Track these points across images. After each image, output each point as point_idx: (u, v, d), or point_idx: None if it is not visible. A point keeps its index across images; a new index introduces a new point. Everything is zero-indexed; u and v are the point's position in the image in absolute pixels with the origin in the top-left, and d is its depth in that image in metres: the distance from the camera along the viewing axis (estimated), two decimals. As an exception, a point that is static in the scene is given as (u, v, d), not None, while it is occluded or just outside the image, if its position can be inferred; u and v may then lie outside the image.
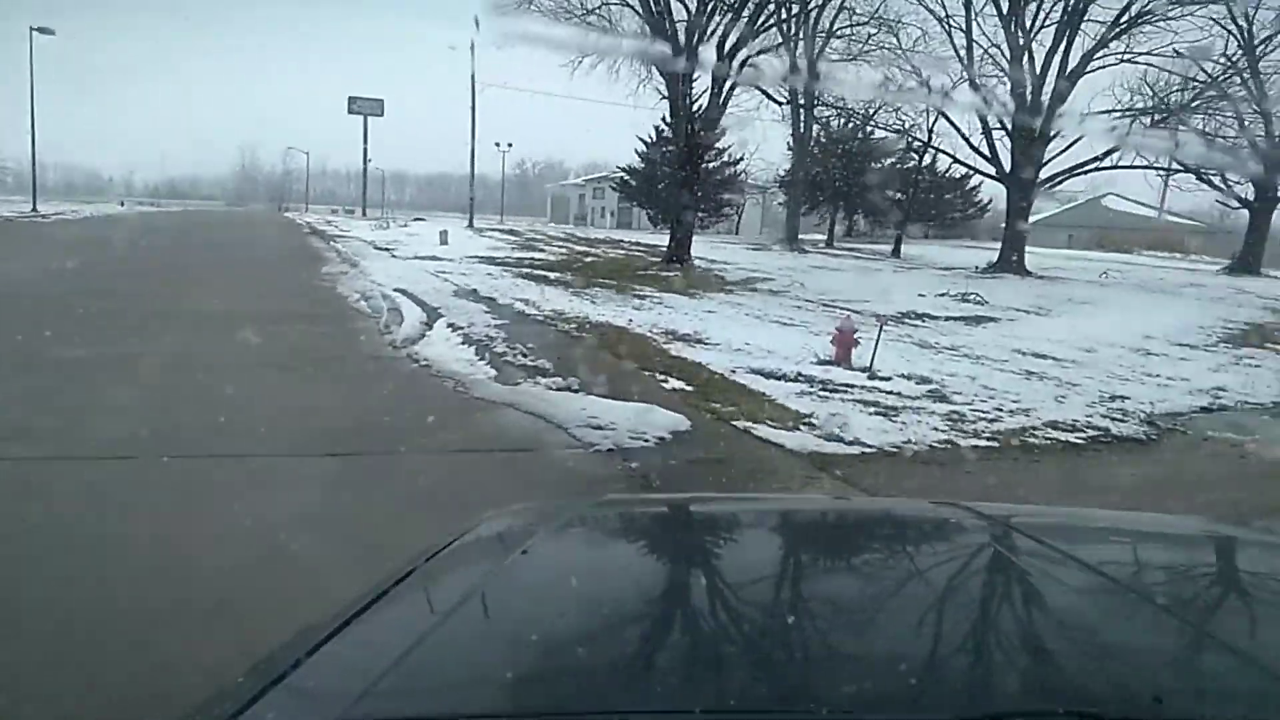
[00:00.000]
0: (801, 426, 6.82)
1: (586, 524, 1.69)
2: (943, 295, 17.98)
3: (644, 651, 1.10)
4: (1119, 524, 1.90)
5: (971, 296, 17.74)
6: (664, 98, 21.08)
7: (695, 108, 21.35)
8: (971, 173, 30.02)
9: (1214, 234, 48.57)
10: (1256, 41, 23.01)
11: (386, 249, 24.99)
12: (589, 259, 23.67)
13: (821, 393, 8.26)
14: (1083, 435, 7.54)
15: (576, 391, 7.07)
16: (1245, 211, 28.82)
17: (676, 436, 5.90)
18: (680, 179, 20.66)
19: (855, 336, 9.73)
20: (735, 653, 1.09)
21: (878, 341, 9.55)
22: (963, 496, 2.91)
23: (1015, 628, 1.19)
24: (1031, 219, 53.46)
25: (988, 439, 7.09)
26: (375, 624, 1.17)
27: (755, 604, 1.25)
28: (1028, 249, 27.21)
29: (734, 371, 8.92)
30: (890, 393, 8.51)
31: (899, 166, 35.99)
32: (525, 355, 8.57)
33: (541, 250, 26.42)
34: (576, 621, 1.16)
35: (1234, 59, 22.30)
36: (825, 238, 36.56)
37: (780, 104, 25.52)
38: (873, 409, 7.75)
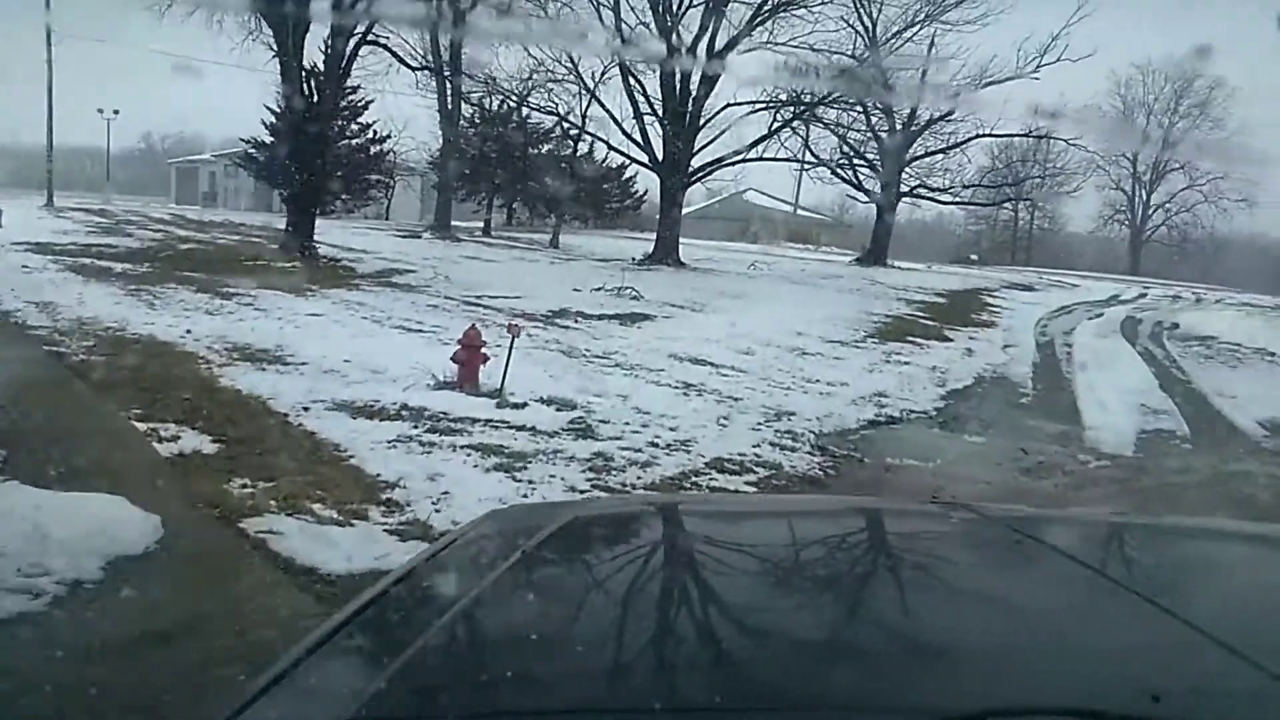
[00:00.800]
0: (373, 509, 4.49)
1: (586, 524, 1.62)
2: (598, 290, 16.53)
3: (643, 651, 1.08)
4: (1119, 524, 1.87)
5: (627, 291, 16.44)
6: (275, 55, 17.58)
7: (316, 69, 18.12)
8: (629, 162, 29.35)
9: (837, 227, 53.17)
10: (881, 41, 24.32)
11: (-101, 232, 18.95)
12: (186, 246, 19.47)
13: (427, 437, 6.01)
14: (753, 477, 5.96)
15: (-21, 477, 4.17)
16: (862, 205, 31.02)
17: (114, 574, 3.30)
18: (298, 151, 17.33)
19: (484, 351, 7.57)
20: (735, 652, 1.08)
21: (509, 355, 7.46)
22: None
23: (1015, 626, 1.17)
24: (691, 208, 55.92)
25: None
26: (376, 624, 1.15)
27: (755, 604, 1.22)
28: (680, 240, 26.96)
29: (308, 409, 6.38)
30: (523, 428, 6.45)
31: (558, 153, 34.72)
32: (-60, 404, 5.39)
33: (129, 235, 21.55)
34: (576, 622, 1.17)
35: (860, 56, 23.31)
36: (483, 225, 34.37)
37: (414, 69, 22.77)
38: (493, 460, 5.62)
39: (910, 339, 13.79)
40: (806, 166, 28.54)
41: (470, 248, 25.83)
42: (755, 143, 22.98)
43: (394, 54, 20.19)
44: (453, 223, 31.64)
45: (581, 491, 5.18)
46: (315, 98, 17.98)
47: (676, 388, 8.54)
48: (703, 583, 1.35)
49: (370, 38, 18.50)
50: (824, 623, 1.17)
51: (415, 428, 6.19)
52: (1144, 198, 51.87)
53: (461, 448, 5.82)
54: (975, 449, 7.41)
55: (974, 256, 48.14)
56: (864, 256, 29.07)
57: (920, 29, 24.86)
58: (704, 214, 52.32)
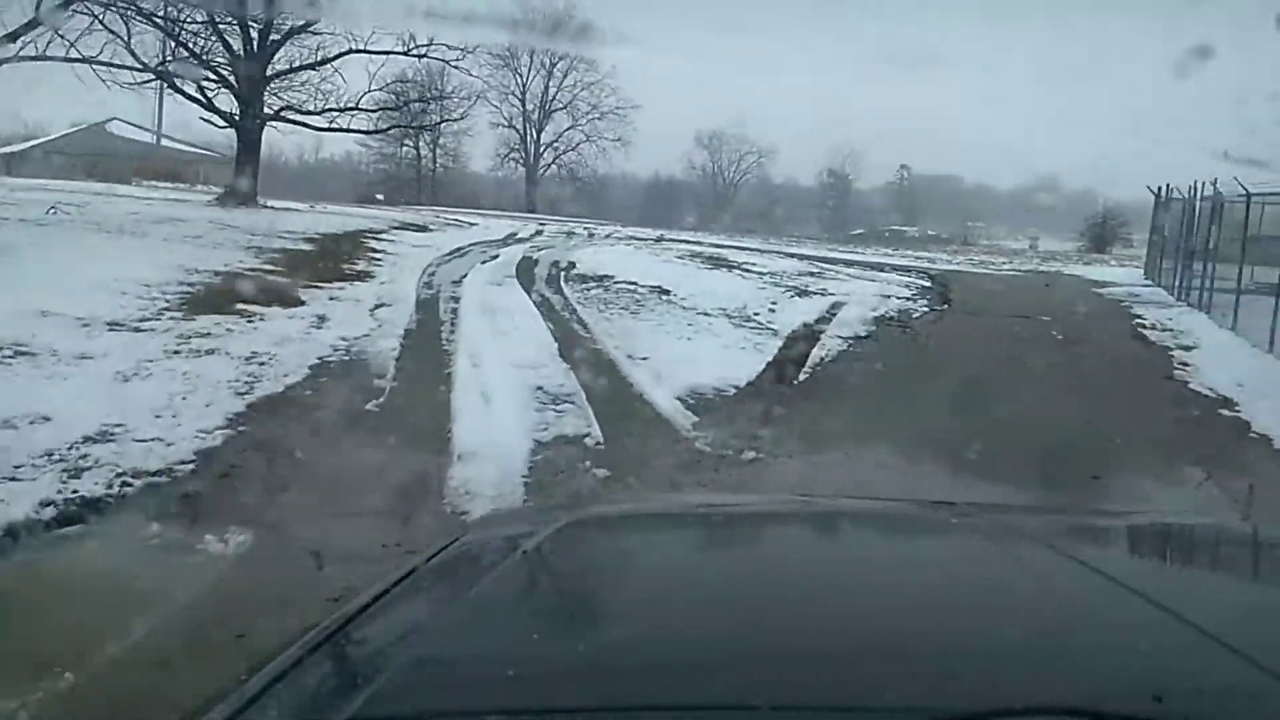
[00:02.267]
0: None
1: (586, 525, 1.62)
2: None
3: (638, 652, 1.04)
4: (1118, 523, 1.88)
5: None
6: None
7: None
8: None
9: (225, 162, 45.90)
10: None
11: None
12: None
13: None
14: None
15: None
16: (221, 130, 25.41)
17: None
18: None
19: None
20: (733, 652, 1.04)
21: None
22: None
23: (1014, 626, 1.13)
24: (32, 143, 44.70)
25: None
26: (375, 624, 1.14)
27: (753, 603, 1.20)
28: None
29: None
30: None
31: None
32: None
33: None
34: (576, 621, 1.16)
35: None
36: None
37: None
38: None
39: (239, 306, 9.45)
40: (131, 77, 21.56)
41: None
42: (14, 34, 15.82)
43: None
44: None
45: None
46: None
47: None
48: (700, 583, 1.31)
49: None
50: (822, 623, 1.14)
51: None
52: (535, 137, 53.32)
53: None
54: (222, 578, 3.49)
55: (379, 196, 45.05)
56: (225, 195, 23.32)
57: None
58: (59, 148, 43.53)
